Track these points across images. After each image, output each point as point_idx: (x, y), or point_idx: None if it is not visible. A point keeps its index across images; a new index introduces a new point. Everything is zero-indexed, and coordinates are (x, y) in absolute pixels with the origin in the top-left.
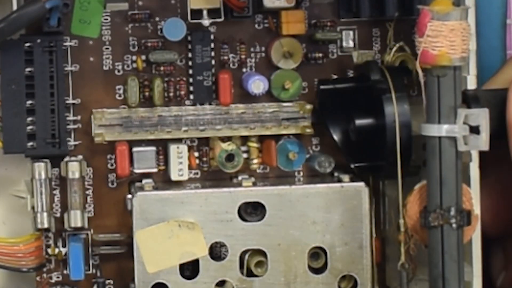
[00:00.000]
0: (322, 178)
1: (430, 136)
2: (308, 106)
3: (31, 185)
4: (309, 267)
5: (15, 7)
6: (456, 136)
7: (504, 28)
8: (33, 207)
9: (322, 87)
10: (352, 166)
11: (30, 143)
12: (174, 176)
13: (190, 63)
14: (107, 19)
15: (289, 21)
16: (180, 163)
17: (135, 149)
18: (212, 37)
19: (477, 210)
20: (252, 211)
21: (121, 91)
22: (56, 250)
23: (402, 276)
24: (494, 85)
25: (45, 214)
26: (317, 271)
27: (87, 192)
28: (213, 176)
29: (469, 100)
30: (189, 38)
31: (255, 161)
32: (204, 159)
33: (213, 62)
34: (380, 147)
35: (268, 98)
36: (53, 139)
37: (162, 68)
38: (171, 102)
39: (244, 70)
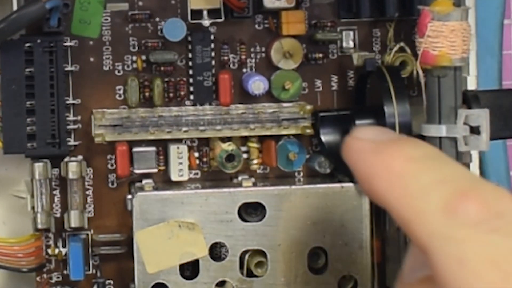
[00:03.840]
0: (322, 178)
1: (430, 137)
2: (308, 107)
3: (31, 185)
4: (309, 267)
5: (15, 7)
6: (456, 136)
7: (501, 28)
8: (33, 207)
9: (322, 114)
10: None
11: (30, 143)
12: (174, 177)
13: (190, 63)
14: (107, 19)
15: (289, 21)
16: (180, 163)
17: (135, 149)
18: (212, 37)
19: None
20: (252, 211)
21: (121, 91)
22: (56, 250)
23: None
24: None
25: (45, 214)
26: (317, 271)
27: (87, 192)
28: (213, 176)
29: (470, 100)
30: (189, 38)
31: (255, 161)
32: (204, 159)
33: (213, 62)
34: None
35: (268, 99)
36: (53, 139)
37: (162, 68)
38: (171, 103)
39: (244, 70)
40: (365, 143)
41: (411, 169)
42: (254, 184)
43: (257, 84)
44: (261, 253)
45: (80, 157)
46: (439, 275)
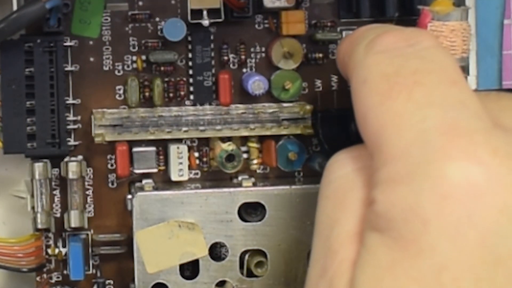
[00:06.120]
0: None
1: None
2: (308, 107)
3: (31, 185)
4: None
5: (15, 7)
6: None
7: (501, 28)
8: (33, 207)
9: (322, 114)
10: None
11: (30, 143)
12: (174, 177)
13: (190, 63)
14: (107, 19)
15: (289, 21)
16: (180, 163)
17: (135, 149)
18: (212, 37)
19: None
20: (252, 211)
21: (121, 91)
22: (56, 250)
23: None
24: None
25: (45, 214)
26: None
27: (87, 192)
28: (213, 176)
29: None
30: (189, 38)
31: (255, 161)
32: (204, 159)
33: (213, 62)
34: None
35: (268, 99)
36: (53, 139)
37: (162, 68)
38: (171, 103)
39: (244, 70)
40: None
41: (364, 32)
42: (254, 184)
43: (257, 84)
44: (261, 253)
45: (80, 157)
46: (352, 100)
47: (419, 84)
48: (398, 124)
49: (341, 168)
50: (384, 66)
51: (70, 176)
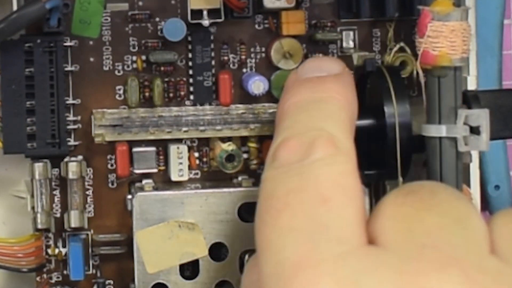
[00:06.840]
0: None
1: (430, 137)
2: None
3: (31, 185)
4: None
5: (15, 7)
6: (456, 136)
7: (501, 28)
8: (33, 207)
9: None
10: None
11: (30, 143)
12: (174, 177)
13: (190, 63)
14: (107, 19)
15: (289, 21)
16: (180, 163)
17: (135, 149)
18: (212, 37)
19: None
20: (252, 211)
21: (121, 92)
22: (56, 251)
23: None
24: None
25: (45, 214)
26: None
27: (87, 193)
28: (213, 176)
29: (470, 100)
30: (189, 38)
31: (255, 161)
32: (204, 159)
33: (213, 62)
34: (380, 148)
35: (268, 99)
36: (53, 139)
37: (162, 68)
38: (171, 103)
39: (244, 70)
40: (293, 76)
41: (286, 113)
42: (254, 184)
43: (257, 84)
44: None
45: (80, 157)
46: None
47: (287, 207)
48: (265, 251)
49: (249, 276)
50: (269, 184)
51: (70, 176)
